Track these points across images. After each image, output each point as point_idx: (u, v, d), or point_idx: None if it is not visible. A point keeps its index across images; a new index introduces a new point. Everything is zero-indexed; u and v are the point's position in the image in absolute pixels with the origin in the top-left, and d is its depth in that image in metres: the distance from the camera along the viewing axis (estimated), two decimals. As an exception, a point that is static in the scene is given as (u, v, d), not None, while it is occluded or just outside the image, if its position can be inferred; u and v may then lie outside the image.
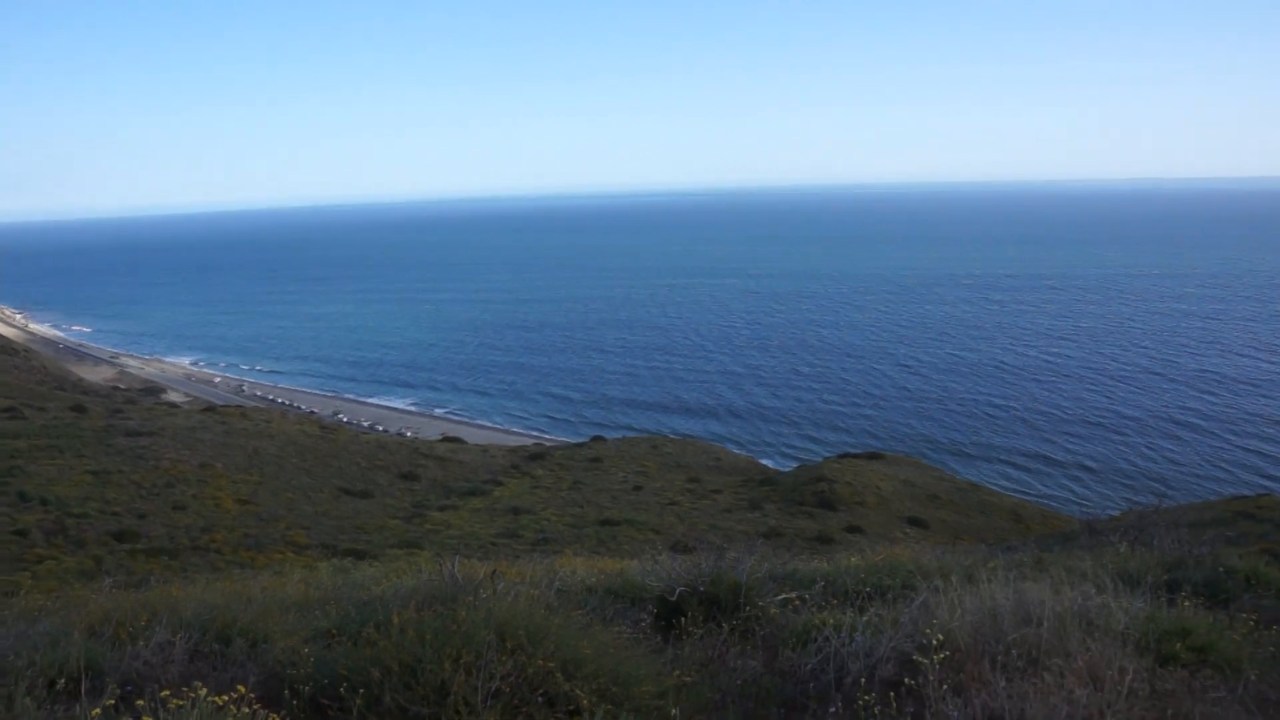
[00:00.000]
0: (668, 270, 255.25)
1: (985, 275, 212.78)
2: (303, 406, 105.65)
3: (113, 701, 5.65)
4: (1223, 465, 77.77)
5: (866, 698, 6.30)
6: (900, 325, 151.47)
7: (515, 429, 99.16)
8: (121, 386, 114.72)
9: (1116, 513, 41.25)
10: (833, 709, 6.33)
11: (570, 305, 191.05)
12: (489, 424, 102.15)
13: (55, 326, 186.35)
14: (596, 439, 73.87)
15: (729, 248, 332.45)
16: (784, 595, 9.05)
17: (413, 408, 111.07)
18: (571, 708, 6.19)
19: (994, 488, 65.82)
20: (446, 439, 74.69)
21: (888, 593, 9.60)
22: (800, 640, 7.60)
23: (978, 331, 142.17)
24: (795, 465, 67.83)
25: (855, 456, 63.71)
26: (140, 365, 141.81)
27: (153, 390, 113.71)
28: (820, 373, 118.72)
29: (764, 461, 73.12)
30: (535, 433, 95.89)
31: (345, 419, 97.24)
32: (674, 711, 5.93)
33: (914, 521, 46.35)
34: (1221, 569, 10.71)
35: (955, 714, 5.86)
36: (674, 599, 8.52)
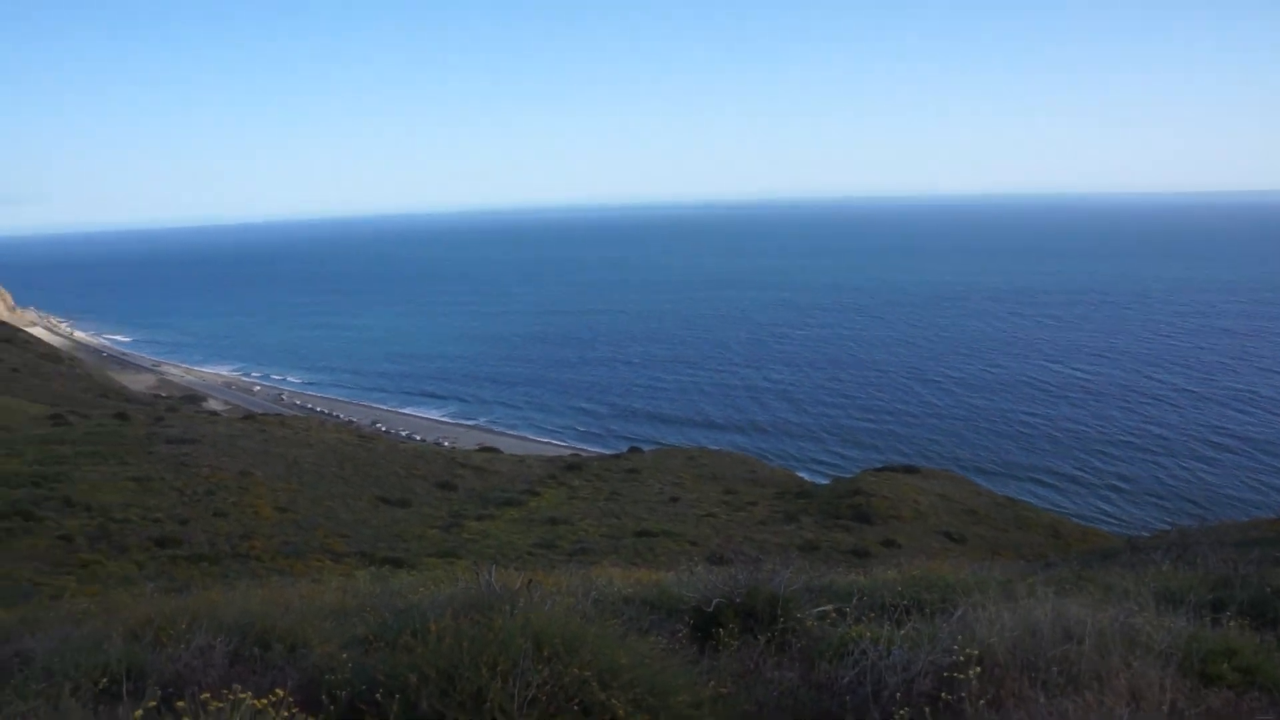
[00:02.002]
0: (692, 283, 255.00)
1: (1015, 289, 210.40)
2: (341, 415, 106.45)
3: (154, 703, 5.71)
4: (1258, 487, 76.44)
5: (903, 711, 6.26)
6: (928, 340, 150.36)
7: (551, 440, 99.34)
8: (163, 394, 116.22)
9: (1148, 534, 40.63)
10: (871, 720, 6.30)
11: (594, 318, 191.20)
12: (525, 435, 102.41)
13: (98, 335, 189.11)
14: (633, 450, 73.65)
15: (754, 260, 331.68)
16: (821, 608, 9.01)
17: (448, 418, 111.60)
18: (607, 717, 6.19)
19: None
20: (483, 449, 74.88)
21: (925, 607, 9.52)
22: (837, 653, 7.56)
23: (1008, 347, 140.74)
24: (829, 479, 67.50)
25: (892, 470, 63.27)
26: (181, 373, 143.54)
27: (193, 398, 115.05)
28: (846, 388, 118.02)
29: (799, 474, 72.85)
30: (570, 444, 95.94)
31: (384, 428, 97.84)
32: (710, 722, 5.93)
33: (951, 536, 45.98)
34: (1269, 589, 10.51)
35: (995, 728, 5.82)
36: (710, 610, 8.50)
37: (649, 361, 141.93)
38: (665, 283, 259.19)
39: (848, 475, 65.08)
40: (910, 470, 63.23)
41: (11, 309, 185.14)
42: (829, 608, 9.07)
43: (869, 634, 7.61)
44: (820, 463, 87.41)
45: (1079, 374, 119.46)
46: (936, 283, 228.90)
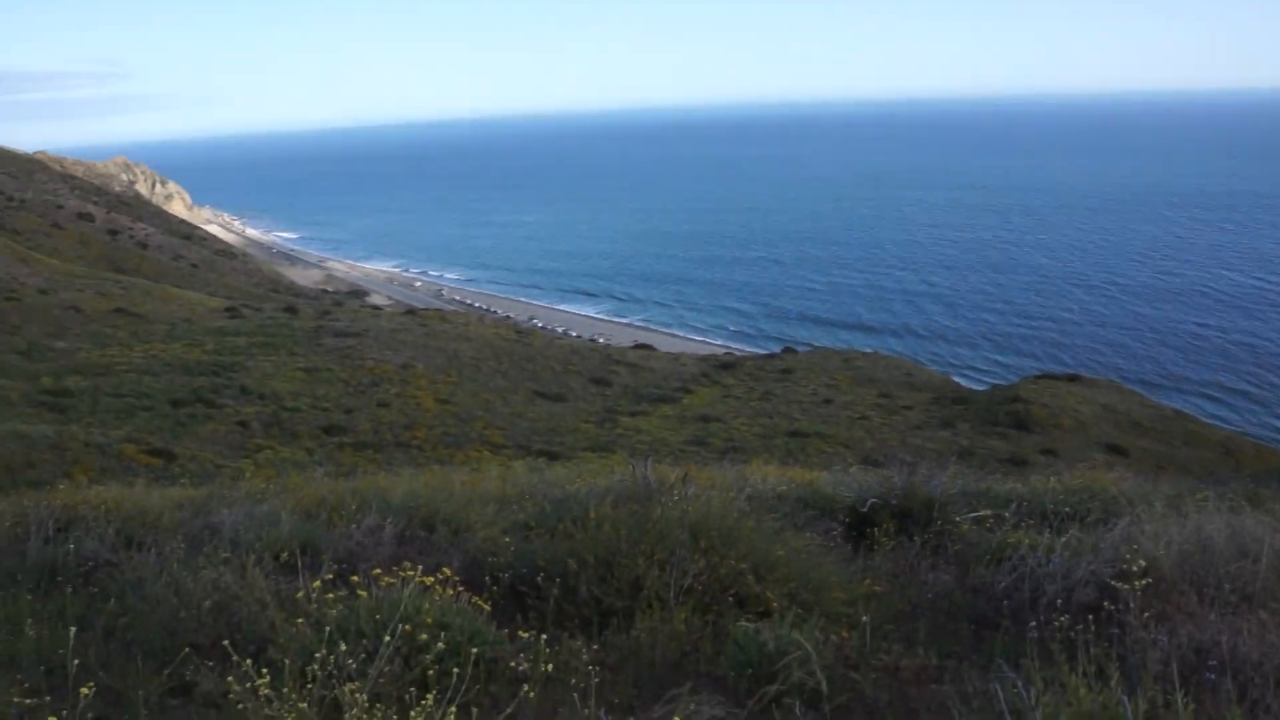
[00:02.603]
0: (850, 182, 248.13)
1: (1194, 192, 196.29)
2: (498, 311, 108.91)
3: (330, 576, 6.04)
4: None
5: (1063, 619, 6.12)
6: (1096, 245, 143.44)
7: (705, 339, 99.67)
8: (329, 289, 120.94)
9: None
10: (1033, 623, 6.20)
11: (750, 216, 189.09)
12: (678, 333, 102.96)
13: (268, 232, 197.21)
14: (787, 350, 72.91)
15: (922, 158, 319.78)
16: (978, 513, 8.86)
17: (603, 315, 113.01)
18: (762, 609, 6.26)
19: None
20: (638, 346, 75.37)
21: (1087, 517, 9.25)
22: (994, 558, 7.44)
23: (1182, 254, 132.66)
24: (986, 385, 65.90)
25: (1053, 378, 61.25)
26: (345, 269, 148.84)
27: (358, 293, 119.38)
28: (1006, 293, 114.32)
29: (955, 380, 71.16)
30: (723, 343, 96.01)
31: (540, 324, 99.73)
32: (864, 619, 5.93)
33: (1113, 448, 44.39)
34: None
35: (1163, 640, 5.64)
36: (865, 510, 8.45)
37: (803, 262, 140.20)
38: (824, 181, 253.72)
39: (1005, 382, 63.38)
40: (1072, 379, 61.05)
41: (189, 208, 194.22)
42: (986, 513, 8.91)
43: (1028, 541, 7.45)
44: (976, 369, 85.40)
45: (1259, 283, 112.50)
46: (1108, 185, 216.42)
